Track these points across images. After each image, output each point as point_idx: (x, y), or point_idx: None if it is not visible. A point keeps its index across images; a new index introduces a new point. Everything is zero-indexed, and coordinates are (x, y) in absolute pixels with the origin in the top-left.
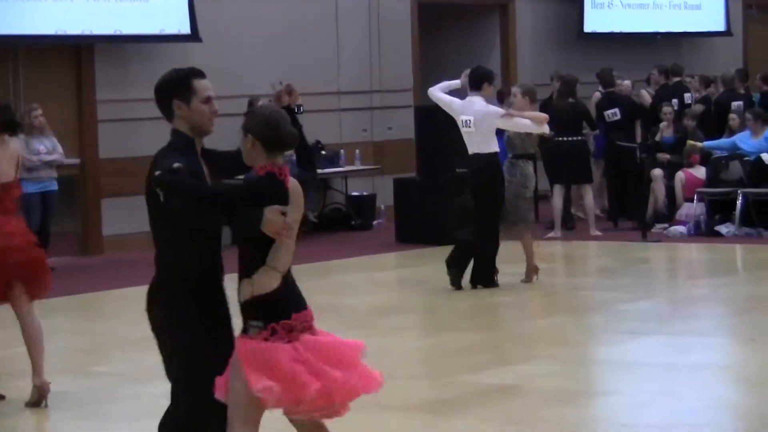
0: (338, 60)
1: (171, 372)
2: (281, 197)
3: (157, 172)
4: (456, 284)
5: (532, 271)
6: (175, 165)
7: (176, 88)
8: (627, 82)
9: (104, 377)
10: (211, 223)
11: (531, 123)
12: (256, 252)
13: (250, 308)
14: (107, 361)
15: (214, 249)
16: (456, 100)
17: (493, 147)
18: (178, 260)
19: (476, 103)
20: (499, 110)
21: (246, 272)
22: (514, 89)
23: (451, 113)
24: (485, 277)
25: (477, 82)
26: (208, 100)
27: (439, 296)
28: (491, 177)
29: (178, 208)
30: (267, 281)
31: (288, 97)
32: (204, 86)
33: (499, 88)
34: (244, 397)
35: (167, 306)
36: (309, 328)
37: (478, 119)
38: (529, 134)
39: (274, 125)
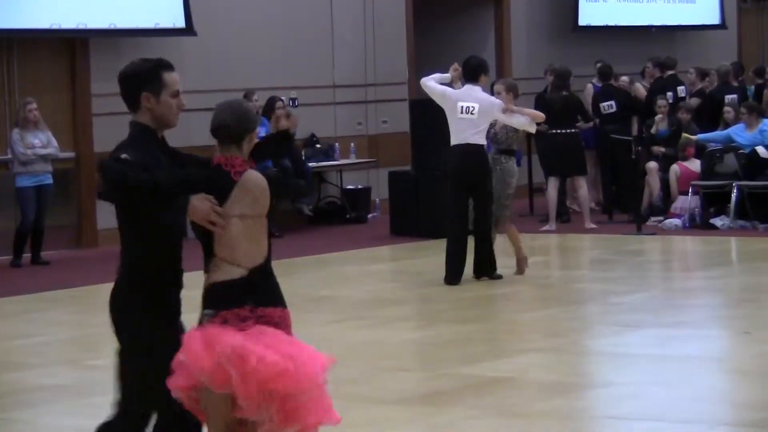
0: (333, 53)
1: (123, 374)
2: (219, 187)
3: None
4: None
5: (522, 261)
6: (123, 156)
7: (146, 81)
8: (625, 78)
9: (100, 370)
10: (164, 216)
11: (527, 120)
12: (208, 244)
13: (204, 298)
14: (102, 353)
15: (175, 243)
16: (449, 89)
17: (482, 140)
18: (139, 254)
19: (478, 91)
20: (500, 102)
21: (204, 265)
22: (497, 87)
23: (443, 102)
24: (490, 269)
25: (474, 72)
26: (176, 94)
27: (433, 288)
28: (485, 168)
29: (108, 194)
30: (218, 274)
31: (286, 121)
32: (174, 79)
33: (493, 81)
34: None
35: (125, 304)
36: (272, 325)
37: (484, 107)
38: (516, 130)
39: (219, 121)
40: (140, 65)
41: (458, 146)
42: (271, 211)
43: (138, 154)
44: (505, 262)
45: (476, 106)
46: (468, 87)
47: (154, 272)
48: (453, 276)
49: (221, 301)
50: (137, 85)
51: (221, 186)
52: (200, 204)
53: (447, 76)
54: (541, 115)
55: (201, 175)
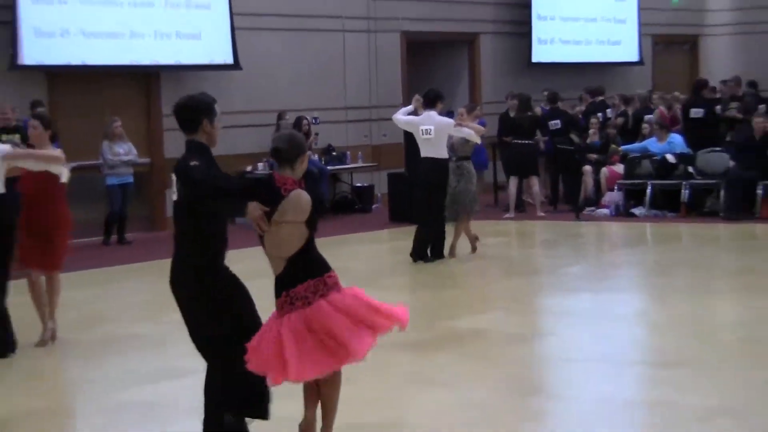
0: (345, 82)
1: (205, 339)
2: (269, 199)
3: (180, 166)
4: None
5: (474, 241)
6: (192, 163)
7: (205, 110)
8: (579, 108)
9: (171, 324)
10: (220, 210)
11: (473, 133)
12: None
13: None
14: (173, 312)
15: (225, 231)
16: (414, 117)
17: (444, 153)
18: (204, 241)
19: (434, 116)
20: (452, 121)
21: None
22: (460, 109)
23: (411, 128)
24: (439, 251)
25: (432, 101)
26: (219, 122)
27: (421, 262)
28: (444, 176)
29: (189, 193)
30: (274, 270)
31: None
32: (219, 112)
33: (467, 104)
34: None
35: (199, 281)
36: (300, 299)
37: (438, 128)
38: (467, 141)
39: (275, 146)
40: (201, 98)
41: (425, 158)
42: (313, 221)
43: (203, 163)
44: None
45: (432, 127)
46: (426, 113)
47: (216, 254)
48: (415, 254)
49: (275, 292)
50: (199, 113)
51: (273, 199)
52: (254, 210)
53: (411, 107)
54: (481, 129)
55: (260, 187)
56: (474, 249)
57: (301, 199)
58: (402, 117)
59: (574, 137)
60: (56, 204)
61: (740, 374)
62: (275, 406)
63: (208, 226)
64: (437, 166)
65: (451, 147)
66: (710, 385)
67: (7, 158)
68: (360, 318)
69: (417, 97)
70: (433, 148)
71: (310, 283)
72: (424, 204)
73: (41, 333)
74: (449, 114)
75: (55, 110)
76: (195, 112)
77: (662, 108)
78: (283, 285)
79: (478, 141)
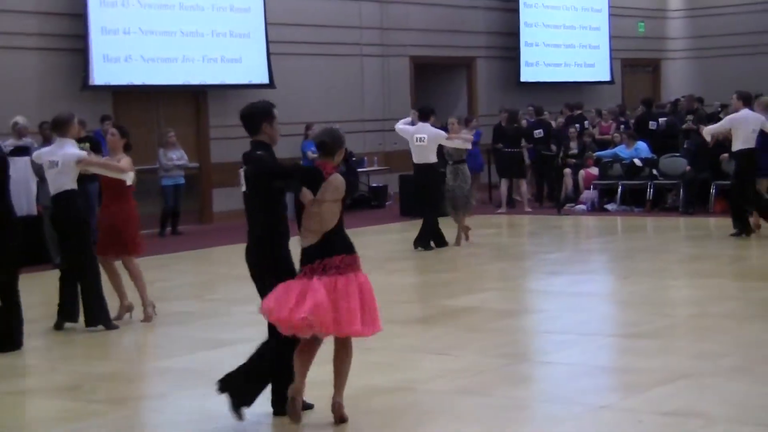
0: (362, 98)
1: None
2: (315, 181)
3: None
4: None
5: (466, 231)
6: (258, 152)
7: (266, 115)
8: (560, 120)
9: (215, 302)
10: (280, 186)
11: (461, 142)
12: (300, 217)
13: (300, 258)
14: (216, 291)
15: (285, 218)
16: (410, 126)
17: (433, 159)
18: (270, 222)
19: (428, 127)
20: (444, 133)
21: (299, 232)
22: (451, 119)
23: (407, 136)
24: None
25: (426, 115)
26: (277, 123)
27: (425, 250)
28: (433, 178)
29: (256, 177)
30: (304, 241)
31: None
32: (277, 115)
33: (465, 116)
34: None
35: (270, 255)
36: (333, 268)
37: (431, 137)
38: (458, 148)
39: (321, 139)
40: (262, 104)
41: (418, 164)
42: (345, 198)
43: (267, 155)
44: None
45: (426, 136)
46: (421, 124)
47: (280, 234)
48: (418, 241)
49: (304, 261)
50: (260, 117)
51: (317, 180)
52: (306, 192)
53: (409, 119)
54: (469, 138)
55: (308, 171)
56: (467, 238)
57: (338, 180)
58: (401, 126)
59: (553, 146)
60: (123, 203)
61: (693, 344)
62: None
63: (271, 213)
64: (428, 169)
65: (447, 153)
66: (669, 353)
67: (83, 163)
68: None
69: (413, 110)
70: (424, 154)
71: (345, 257)
72: (419, 202)
73: (119, 309)
74: (444, 128)
75: (119, 123)
76: (256, 117)
77: (602, 123)
78: (318, 254)
79: (469, 147)
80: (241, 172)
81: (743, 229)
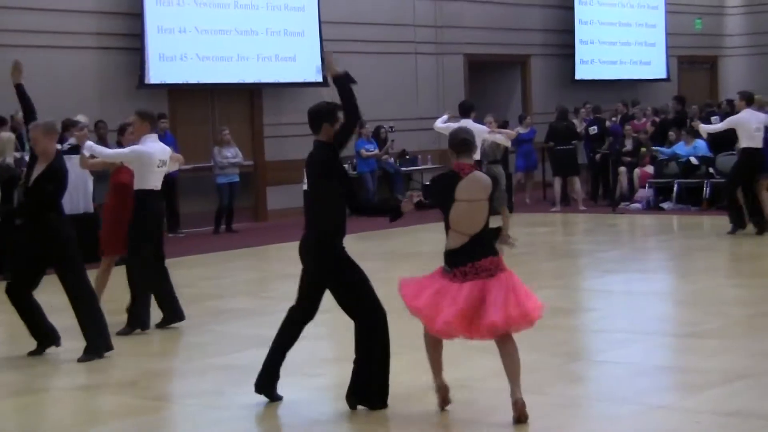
0: (417, 97)
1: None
2: (451, 183)
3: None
4: None
5: (506, 237)
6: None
7: (328, 115)
8: (614, 119)
9: (267, 299)
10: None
11: (503, 138)
12: (447, 221)
13: (445, 257)
14: (270, 289)
15: (343, 215)
16: (452, 124)
17: (476, 156)
18: (330, 221)
19: (470, 123)
20: (485, 128)
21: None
22: (488, 117)
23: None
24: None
25: (467, 111)
26: (339, 124)
27: None
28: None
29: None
30: (449, 242)
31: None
32: (341, 117)
33: (519, 114)
34: None
35: (328, 256)
36: (484, 271)
37: (474, 133)
38: (498, 145)
39: (453, 139)
40: (325, 105)
41: None
42: (492, 197)
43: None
44: (523, 233)
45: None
46: (463, 120)
47: (335, 233)
48: None
49: (449, 262)
50: (321, 118)
51: (452, 182)
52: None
53: (445, 117)
54: (512, 134)
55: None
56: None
57: (483, 177)
58: (441, 124)
59: (606, 144)
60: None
61: (752, 344)
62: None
63: (330, 210)
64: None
65: (483, 153)
66: (727, 352)
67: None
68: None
69: (448, 112)
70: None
71: (493, 259)
72: None
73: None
74: (520, 119)
75: (175, 121)
76: (317, 117)
77: (635, 121)
78: (468, 257)
79: (508, 144)
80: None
81: (739, 223)
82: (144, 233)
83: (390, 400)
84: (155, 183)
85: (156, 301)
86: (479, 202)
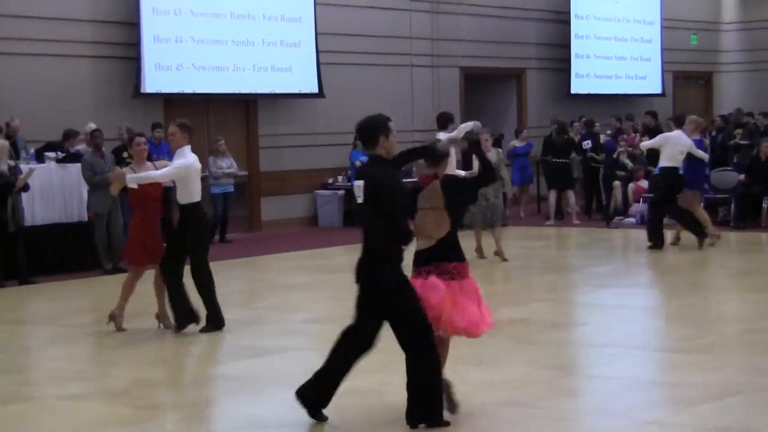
0: (412, 109)
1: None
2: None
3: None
4: None
5: (501, 253)
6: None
7: (382, 128)
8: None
9: (262, 309)
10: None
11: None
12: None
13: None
14: (264, 299)
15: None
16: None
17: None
18: (386, 240)
19: (443, 136)
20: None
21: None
22: (483, 135)
23: None
24: None
25: (445, 124)
26: (393, 136)
27: (471, 263)
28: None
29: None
30: (418, 245)
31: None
32: (393, 128)
33: (516, 128)
34: None
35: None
36: (447, 273)
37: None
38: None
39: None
40: (378, 118)
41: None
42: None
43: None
44: (521, 245)
45: None
46: (440, 134)
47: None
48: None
49: (417, 262)
50: (376, 130)
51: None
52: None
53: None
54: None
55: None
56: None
57: (436, 186)
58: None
59: (597, 157)
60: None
61: (744, 360)
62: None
63: (387, 225)
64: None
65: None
66: (719, 368)
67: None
68: None
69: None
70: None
71: (457, 264)
72: None
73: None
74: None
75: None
76: (373, 130)
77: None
78: (432, 258)
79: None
80: (359, 183)
81: (658, 242)
82: (203, 244)
83: (389, 413)
84: (199, 193)
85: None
86: (438, 209)
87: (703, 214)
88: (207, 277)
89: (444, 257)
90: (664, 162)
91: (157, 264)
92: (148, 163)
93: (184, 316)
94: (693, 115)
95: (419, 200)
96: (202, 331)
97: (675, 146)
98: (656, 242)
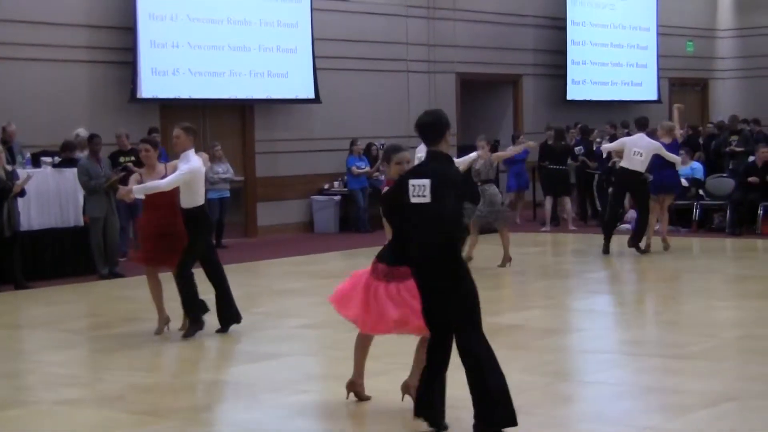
0: (408, 115)
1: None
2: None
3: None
4: None
5: (507, 259)
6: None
7: (447, 124)
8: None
9: (259, 315)
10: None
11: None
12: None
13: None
14: (260, 305)
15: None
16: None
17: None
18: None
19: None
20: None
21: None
22: (481, 142)
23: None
24: None
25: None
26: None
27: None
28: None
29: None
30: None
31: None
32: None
33: (513, 134)
34: None
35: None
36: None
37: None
38: (491, 164)
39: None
40: (442, 114)
41: None
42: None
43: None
44: (519, 251)
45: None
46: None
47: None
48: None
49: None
50: (444, 126)
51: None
52: None
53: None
54: (471, 158)
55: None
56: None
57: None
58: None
59: (590, 164)
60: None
61: (740, 366)
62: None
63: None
64: None
65: (477, 172)
66: (715, 375)
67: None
68: None
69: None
70: None
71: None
72: None
73: (158, 322)
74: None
75: (167, 136)
76: (441, 125)
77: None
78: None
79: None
80: (415, 182)
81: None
82: (198, 248)
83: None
84: (203, 196)
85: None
86: None
87: (651, 221)
88: (189, 281)
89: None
90: (624, 162)
91: (170, 266)
92: (160, 166)
93: (199, 318)
94: (666, 122)
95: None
96: (186, 336)
97: (630, 148)
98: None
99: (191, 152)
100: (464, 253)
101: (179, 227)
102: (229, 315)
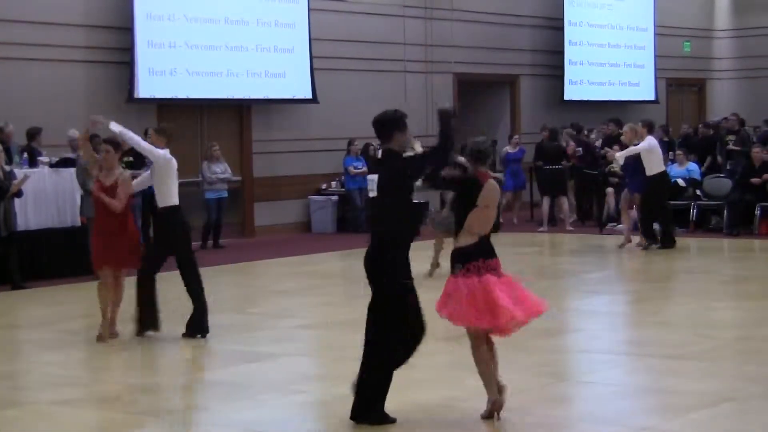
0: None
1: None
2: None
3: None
4: None
5: (434, 266)
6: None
7: (398, 123)
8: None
9: (255, 315)
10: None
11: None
12: (461, 219)
13: (454, 256)
14: (257, 305)
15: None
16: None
17: None
18: (394, 232)
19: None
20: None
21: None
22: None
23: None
24: None
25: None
26: (408, 132)
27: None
28: None
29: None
30: (462, 239)
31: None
32: (407, 124)
33: (510, 133)
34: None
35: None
36: (493, 270)
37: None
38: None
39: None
40: (394, 114)
41: None
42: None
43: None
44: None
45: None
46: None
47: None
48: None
49: (465, 259)
50: (392, 126)
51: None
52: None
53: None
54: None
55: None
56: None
57: (492, 186)
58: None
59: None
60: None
61: (738, 367)
62: None
63: (397, 220)
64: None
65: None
66: (713, 375)
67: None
68: None
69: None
70: None
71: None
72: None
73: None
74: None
75: None
76: (387, 125)
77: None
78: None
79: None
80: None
81: (654, 239)
82: (189, 245)
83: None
84: (176, 196)
85: (138, 308)
86: (486, 208)
87: (628, 218)
88: (196, 277)
89: (489, 253)
90: (654, 168)
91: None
92: (119, 169)
93: (148, 321)
94: (631, 123)
95: (479, 198)
96: (186, 336)
97: (658, 150)
98: (651, 240)
99: (167, 151)
100: (431, 260)
101: (129, 226)
102: (199, 327)
